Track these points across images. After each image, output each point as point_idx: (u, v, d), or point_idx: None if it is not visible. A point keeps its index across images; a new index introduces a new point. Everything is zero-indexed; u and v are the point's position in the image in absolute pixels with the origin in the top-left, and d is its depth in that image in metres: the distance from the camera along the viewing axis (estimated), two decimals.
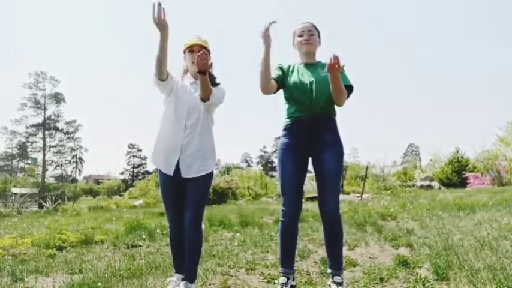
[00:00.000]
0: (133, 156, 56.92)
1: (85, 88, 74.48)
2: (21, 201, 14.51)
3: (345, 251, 3.19)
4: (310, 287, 2.51)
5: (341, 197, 2.46)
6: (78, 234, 4.85)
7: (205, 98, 2.27)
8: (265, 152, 67.35)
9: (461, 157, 15.52)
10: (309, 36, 2.44)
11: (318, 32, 2.50)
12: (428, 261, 2.87)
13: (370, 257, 3.29)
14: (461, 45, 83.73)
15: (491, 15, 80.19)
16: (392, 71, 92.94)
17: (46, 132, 39.18)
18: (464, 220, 4.72)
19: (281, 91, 2.49)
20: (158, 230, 5.07)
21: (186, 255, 2.34)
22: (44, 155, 38.74)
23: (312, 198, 9.82)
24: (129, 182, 47.16)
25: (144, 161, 56.13)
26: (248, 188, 17.65)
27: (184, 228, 2.34)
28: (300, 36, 2.45)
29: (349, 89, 2.39)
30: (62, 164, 41.35)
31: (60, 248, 4.32)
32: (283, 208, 2.37)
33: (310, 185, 10.79)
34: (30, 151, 39.89)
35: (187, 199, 2.35)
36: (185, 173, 2.33)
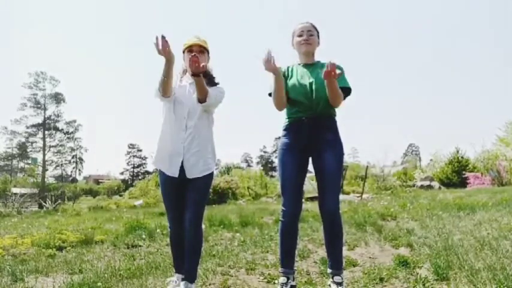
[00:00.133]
0: (133, 156, 56.96)
1: (85, 88, 74.52)
2: (21, 201, 14.52)
3: (345, 251, 3.19)
4: (310, 287, 2.51)
5: (341, 197, 2.46)
6: (78, 234, 4.85)
7: (201, 99, 2.28)
8: (265, 152, 67.38)
9: (461, 157, 15.52)
10: (308, 37, 2.44)
11: (318, 32, 2.50)
12: (428, 261, 2.87)
13: (370, 257, 3.29)
14: (461, 45, 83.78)
15: (491, 15, 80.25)
16: (393, 71, 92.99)
17: (46, 132, 39.17)
18: (464, 220, 4.72)
19: None
20: (158, 230, 5.07)
21: (186, 255, 2.34)
22: (44, 155, 38.73)
23: (312, 198, 9.83)
24: (129, 182, 47.17)
25: (144, 161, 56.22)
26: (248, 188, 17.65)
27: (184, 228, 2.34)
28: (299, 36, 2.45)
29: (348, 90, 2.39)
30: (62, 164, 41.34)
31: (60, 248, 4.32)
32: (283, 208, 2.37)
33: (310, 185, 10.80)
34: (30, 151, 39.89)
35: (187, 199, 2.35)
36: (189, 174, 2.33)
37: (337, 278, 2.33)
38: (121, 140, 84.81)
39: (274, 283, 2.62)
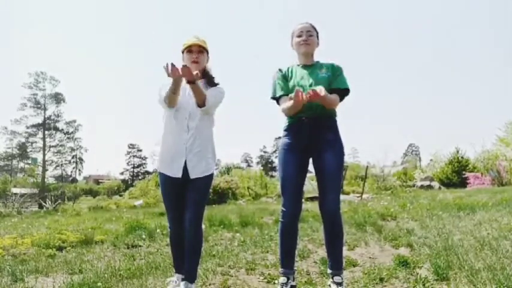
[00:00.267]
0: (133, 156, 56.97)
1: (85, 88, 74.52)
2: (21, 201, 14.51)
3: (345, 251, 3.19)
4: (310, 287, 2.51)
5: (341, 197, 2.46)
6: (78, 234, 4.86)
7: (200, 104, 2.30)
8: (265, 152, 67.38)
9: (461, 157, 15.52)
10: (308, 37, 2.44)
11: (317, 32, 2.50)
12: (428, 261, 2.87)
13: (370, 257, 3.29)
14: (461, 45, 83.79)
15: (491, 15, 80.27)
16: (393, 71, 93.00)
17: (46, 132, 39.18)
18: (464, 220, 4.72)
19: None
20: (158, 230, 5.07)
21: (186, 255, 2.35)
22: (44, 155, 38.74)
23: (312, 198, 9.83)
24: (129, 182, 47.17)
25: (144, 161, 56.25)
26: (248, 188, 17.65)
27: (184, 228, 2.34)
28: (299, 36, 2.45)
29: (346, 91, 2.40)
30: (62, 164, 41.36)
31: (60, 248, 4.32)
32: (283, 209, 2.37)
33: (310, 185, 10.80)
34: (30, 151, 39.90)
35: (187, 199, 2.35)
36: (192, 174, 2.33)
37: (337, 278, 2.33)
38: (121, 140, 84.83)
39: (274, 283, 2.62)
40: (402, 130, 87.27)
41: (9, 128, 39.19)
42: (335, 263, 2.36)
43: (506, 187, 10.80)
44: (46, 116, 39.20)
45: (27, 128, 39.20)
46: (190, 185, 2.35)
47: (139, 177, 48.49)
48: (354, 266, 3.01)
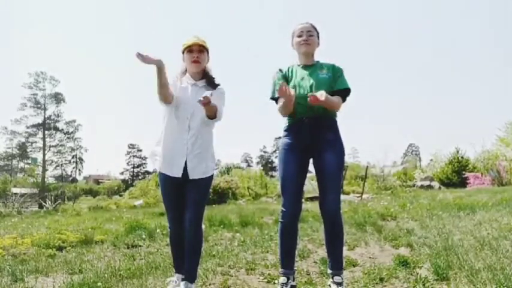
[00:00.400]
0: (133, 156, 56.95)
1: (85, 88, 74.50)
2: (21, 201, 14.49)
3: (345, 251, 3.19)
4: (310, 287, 2.51)
5: (341, 197, 2.46)
6: (78, 234, 4.85)
7: (212, 116, 2.31)
8: (265, 152, 67.36)
9: (461, 157, 15.51)
10: (308, 37, 2.44)
11: (317, 32, 2.50)
12: (428, 261, 2.87)
13: (370, 257, 3.29)
14: (461, 45, 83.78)
15: (491, 15, 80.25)
16: (393, 71, 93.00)
17: (46, 132, 39.19)
18: (464, 220, 4.72)
19: None
20: (158, 230, 5.07)
21: (186, 255, 2.35)
22: (44, 155, 38.75)
23: (312, 198, 9.83)
24: (129, 182, 47.15)
25: (144, 161, 56.17)
26: (248, 188, 17.63)
27: (184, 228, 2.34)
28: (299, 36, 2.45)
29: (348, 91, 2.41)
30: (62, 164, 41.37)
31: (60, 248, 4.32)
32: (283, 209, 2.37)
33: (310, 185, 10.80)
34: (30, 151, 39.91)
35: (187, 199, 2.35)
36: (192, 175, 2.33)
37: (337, 278, 2.33)
38: (121, 140, 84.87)
39: (274, 283, 2.62)
40: (402, 130, 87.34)
41: (9, 128, 39.25)
42: (335, 263, 2.36)
43: (506, 187, 10.80)
44: (46, 116, 39.22)
45: (27, 128, 39.23)
46: (190, 185, 2.34)
47: (139, 177, 48.48)
48: (354, 266, 3.01)
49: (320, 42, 2.52)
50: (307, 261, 3.23)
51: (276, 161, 2.29)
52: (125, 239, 4.75)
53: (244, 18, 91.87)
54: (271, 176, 30.56)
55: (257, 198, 16.12)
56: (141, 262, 3.43)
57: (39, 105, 39.07)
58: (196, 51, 2.39)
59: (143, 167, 56.17)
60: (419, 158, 39.26)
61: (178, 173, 2.33)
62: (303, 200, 2.47)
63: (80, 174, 46.29)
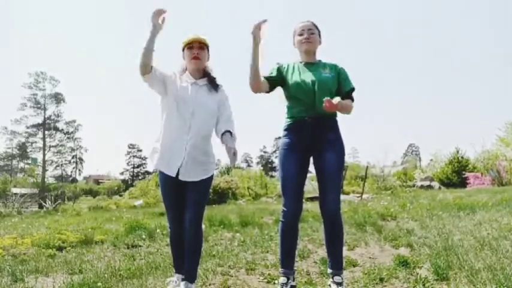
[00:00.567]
0: (133, 156, 56.93)
1: (85, 88, 74.49)
2: (21, 201, 14.49)
3: (345, 251, 3.19)
4: (310, 287, 2.51)
5: (341, 197, 2.46)
6: (78, 234, 4.85)
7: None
8: (265, 152, 67.33)
9: (461, 157, 15.50)
10: (309, 35, 2.43)
11: (319, 31, 2.49)
12: (428, 261, 2.87)
13: (370, 257, 3.29)
14: (461, 45, 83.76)
15: (491, 15, 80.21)
16: (393, 71, 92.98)
17: (46, 132, 39.18)
18: (464, 220, 4.72)
19: (281, 91, 2.49)
20: (158, 230, 5.07)
21: (186, 255, 2.34)
22: (44, 155, 38.74)
23: (312, 198, 9.81)
24: (129, 182, 47.13)
25: (144, 161, 56.14)
26: (248, 188, 17.62)
27: (184, 228, 2.34)
28: (300, 35, 2.44)
29: (353, 90, 2.45)
30: (62, 164, 41.36)
31: (60, 248, 4.32)
32: (284, 209, 2.36)
33: (310, 185, 10.79)
34: (30, 151, 39.90)
35: (187, 199, 2.34)
36: (184, 177, 2.31)
37: (337, 278, 2.33)
38: (121, 140, 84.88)
39: (274, 283, 2.62)
40: (402, 130, 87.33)
41: (9, 128, 39.24)
42: (335, 263, 2.36)
43: (506, 187, 10.80)
44: (46, 116, 39.21)
45: (27, 128, 39.22)
46: (190, 185, 2.33)
47: (140, 177, 48.46)
48: (354, 266, 3.01)
49: (321, 40, 2.52)
50: (307, 261, 3.23)
51: (276, 161, 2.28)
52: (125, 239, 4.75)
53: (244, 18, 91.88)
54: (271, 176, 30.54)
55: (257, 198, 16.11)
56: (141, 262, 3.43)
57: (39, 105, 39.06)
58: (197, 48, 2.37)
59: (143, 167, 56.17)
60: (419, 158, 39.23)
61: (173, 173, 2.32)
62: (304, 200, 2.46)
63: (80, 174, 46.33)
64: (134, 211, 11.13)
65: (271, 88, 2.43)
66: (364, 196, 11.87)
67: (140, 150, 56.41)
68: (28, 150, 39.75)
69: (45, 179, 36.15)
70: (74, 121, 40.78)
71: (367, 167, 15.80)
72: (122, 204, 15.90)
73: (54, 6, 69.34)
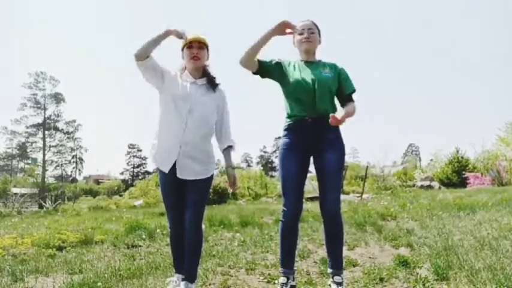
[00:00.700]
0: (134, 156, 56.95)
1: (85, 88, 74.49)
2: (21, 201, 14.50)
3: (345, 251, 3.19)
4: (310, 287, 2.51)
5: (341, 197, 2.46)
6: (78, 234, 4.85)
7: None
8: (265, 152, 67.33)
9: (461, 157, 15.50)
10: (309, 35, 2.42)
11: (319, 30, 2.48)
12: (428, 261, 2.87)
13: (370, 257, 3.29)
14: (461, 45, 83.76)
15: (491, 15, 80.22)
16: (393, 71, 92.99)
17: (46, 132, 39.20)
18: (464, 220, 4.72)
19: (279, 90, 2.48)
20: (158, 230, 5.07)
21: (186, 255, 2.34)
22: (44, 155, 38.76)
23: (312, 198, 9.82)
24: (129, 182, 47.15)
25: (144, 161, 56.21)
26: (248, 188, 17.64)
27: (184, 228, 2.34)
28: (300, 34, 2.43)
29: (353, 91, 2.46)
30: (62, 164, 41.41)
31: (60, 248, 4.32)
32: (284, 208, 2.36)
33: (310, 185, 10.80)
34: (30, 151, 39.93)
35: (187, 199, 2.34)
36: (181, 175, 2.31)
37: (337, 278, 2.33)
38: (121, 140, 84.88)
39: (274, 283, 2.62)
40: (402, 130, 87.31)
41: (9, 128, 39.28)
42: (335, 262, 2.36)
43: (506, 187, 10.80)
44: (46, 116, 39.24)
45: (27, 128, 39.25)
46: (190, 185, 2.33)
47: (140, 177, 48.45)
48: (354, 266, 3.01)
49: (321, 39, 2.51)
50: (307, 261, 3.23)
51: (276, 161, 2.27)
52: (125, 239, 4.75)
53: (244, 18, 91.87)
54: (271, 176, 30.57)
55: (257, 198, 16.13)
56: (141, 262, 3.43)
57: (39, 105, 39.09)
58: (196, 48, 2.37)
59: (143, 167, 56.20)
60: (419, 158, 39.24)
61: (166, 168, 2.32)
62: (303, 200, 2.46)
63: (80, 174, 46.38)
64: (134, 211, 11.14)
65: (259, 72, 2.40)
66: (364, 196, 11.87)
67: (140, 150, 56.48)
68: (28, 150, 39.79)
69: (45, 179, 36.18)
70: (74, 121, 40.85)
71: (367, 167, 15.81)
72: (122, 204, 15.91)
73: (54, 6, 69.39)
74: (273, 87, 2.49)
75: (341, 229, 2.38)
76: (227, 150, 2.53)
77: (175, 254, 2.49)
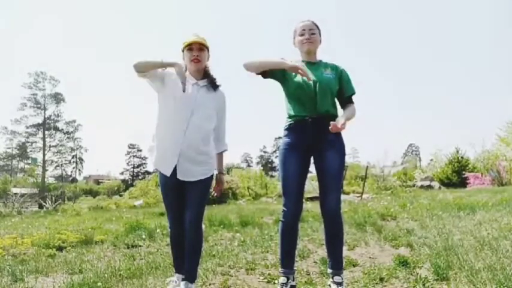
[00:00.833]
0: (134, 156, 56.91)
1: (85, 88, 74.52)
2: (21, 201, 14.50)
3: (345, 251, 3.19)
4: (310, 287, 2.51)
5: (341, 197, 2.46)
6: (78, 234, 4.86)
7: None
8: (265, 152, 67.33)
9: (461, 157, 15.52)
10: (310, 35, 2.42)
11: (319, 30, 2.47)
12: (428, 261, 2.87)
13: (370, 257, 3.29)
14: (461, 45, 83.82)
15: (491, 15, 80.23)
16: (393, 71, 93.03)
17: (46, 132, 39.24)
18: (464, 220, 4.72)
19: (280, 90, 2.48)
20: (158, 230, 5.07)
21: (186, 255, 2.34)
22: (44, 155, 38.79)
23: (312, 198, 9.82)
24: (129, 182, 47.13)
25: (144, 161, 56.14)
26: (248, 188, 17.64)
27: (184, 228, 2.34)
28: (301, 35, 2.43)
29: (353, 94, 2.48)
30: (62, 164, 41.46)
31: (60, 248, 4.32)
32: (284, 209, 2.36)
33: (310, 185, 10.80)
34: (30, 151, 39.96)
35: (187, 199, 2.34)
36: (182, 177, 2.31)
37: (337, 278, 2.33)
38: (121, 140, 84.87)
39: (274, 283, 2.62)
40: (402, 130, 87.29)
41: (9, 128, 39.33)
42: (335, 262, 2.36)
43: (506, 187, 10.80)
44: (46, 116, 39.28)
45: (27, 128, 39.30)
46: (190, 185, 2.33)
47: (140, 177, 48.43)
48: (354, 266, 3.01)
49: (322, 39, 2.50)
50: (307, 261, 3.23)
51: (276, 161, 2.28)
52: (124, 239, 4.75)
53: (244, 18, 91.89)
54: (271, 176, 30.58)
55: (257, 198, 16.14)
56: (141, 262, 3.43)
57: (39, 105, 39.12)
58: (197, 50, 2.36)
59: (143, 167, 56.16)
60: (419, 158, 39.26)
61: (167, 172, 2.32)
62: (303, 200, 2.46)
63: (80, 174, 46.42)
64: (134, 211, 11.14)
65: (262, 73, 2.43)
66: (364, 196, 11.88)
67: (140, 150, 56.41)
68: (28, 150, 39.82)
69: (45, 179, 36.22)
70: (74, 121, 40.90)
71: (367, 167, 15.81)
72: (122, 204, 15.90)
73: (54, 6, 69.37)
74: (273, 87, 2.49)
75: (341, 229, 2.38)
76: (221, 154, 2.56)
77: (175, 254, 2.49)
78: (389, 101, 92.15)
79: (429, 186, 14.51)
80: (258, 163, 65.43)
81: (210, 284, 2.67)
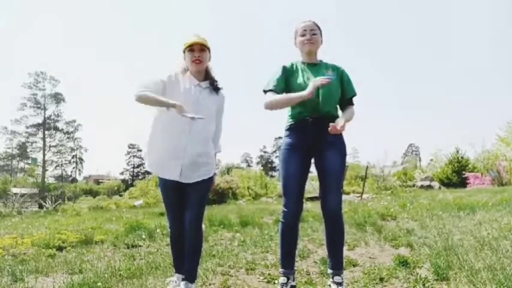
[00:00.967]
0: (134, 156, 56.93)
1: (85, 88, 74.53)
2: (21, 201, 14.50)
3: (345, 251, 3.19)
4: (310, 287, 2.51)
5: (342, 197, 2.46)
6: (78, 234, 4.86)
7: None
8: (265, 152, 67.32)
9: (461, 157, 15.52)
10: (311, 36, 2.41)
11: (320, 30, 2.47)
12: (428, 261, 2.87)
13: (370, 257, 3.29)
14: (461, 45, 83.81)
15: (491, 15, 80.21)
16: (393, 71, 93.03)
17: (46, 132, 39.24)
18: (464, 220, 4.72)
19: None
20: (158, 230, 5.07)
21: (186, 255, 2.34)
22: (44, 155, 38.79)
23: (312, 198, 9.82)
24: (129, 182, 47.13)
25: (144, 161, 55.93)
26: (248, 188, 17.64)
27: (184, 228, 2.34)
28: (302, 35, 2.42)
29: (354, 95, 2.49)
30: (62, 164, 41.47)
31: (60, 248, 4.32)
32: (284, 209, 2.35)
33: (310, 185, 10.80)
34: (30, 151, 39.98)
35: (187, 199, 2.34)
36: (188, 179, 2.31)
37: (337, 278, 2.33)
38: (121, 140, 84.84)
39: (274, 283, 2.62)
40: (402, 130, 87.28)
41: (9, 128, 39.35)
42: (335, 263, 2.36)
43: (506, 187, 10.80)
44: (46, 116, 39.29)
45: (27, 128, 39.31)
46: (191, 186, 2.33)
47: (140, 177, 48.42)
48: (354, 266, 3.01)
49: (323, 40, 2.50)
50: (307, 261, 3.23)
51: (276, 161, 2.28)
52: (124, 239, 4.75)
53: (245, 17, 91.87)
54: (271, 176, 30.58)
55: (257, 198, 16.13)
56: (141, 262, 3.43)
57: (39, 105, 39.13)
58: (198, 51, 2.35)
59: (143, 167, 56.02)
60: (419, 158, 39.27)
61: (172, 176, 2.30)
62: (304, 200, 2.46)
63: (80, 174, 46.44)
64: (134, 211, 11.14)
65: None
66: (364, 196, 11.87)
67: (140, 150, 56.31)
68: (28, 150, 39.83)
69: (45, 179, 36.23)
70: (74, 121, 40.91)
71: (367, 167, 15.80)
72: (122, 204, 15.90)
73: (54, 6, 69.37)
74: None
75: (342, 229, 2.38)
76: (214, 155, 2.56)
77: (175, 254, 2.49)
78: (389, 101, 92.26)
79: (429, 186, 14.51)
80: (258, 163, 65.44)
81: (210, 284, 2.67)
